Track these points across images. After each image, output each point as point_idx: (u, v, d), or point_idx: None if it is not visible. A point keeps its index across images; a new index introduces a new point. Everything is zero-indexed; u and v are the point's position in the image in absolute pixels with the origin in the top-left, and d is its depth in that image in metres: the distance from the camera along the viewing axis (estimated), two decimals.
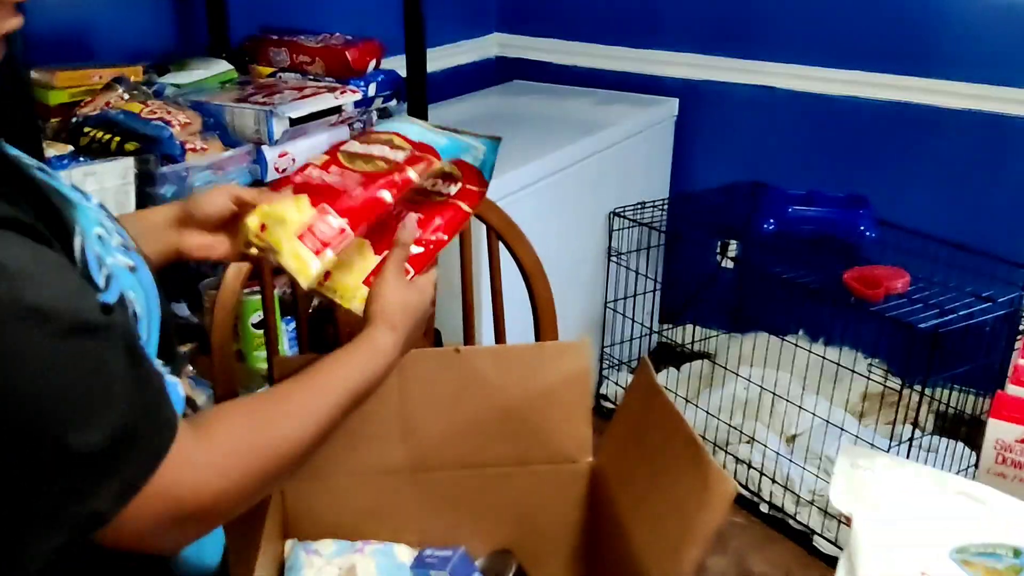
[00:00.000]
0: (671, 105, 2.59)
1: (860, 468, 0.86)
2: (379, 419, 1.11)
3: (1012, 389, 0.91)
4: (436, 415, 1.12)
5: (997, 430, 0.87)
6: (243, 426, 0.73)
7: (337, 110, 1.60)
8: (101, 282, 0.67)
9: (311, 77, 1.75)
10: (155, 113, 1.46)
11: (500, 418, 1.13)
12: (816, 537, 2.04)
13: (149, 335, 0.75)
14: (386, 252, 0.91)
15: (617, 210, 2.43)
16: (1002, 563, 0.75)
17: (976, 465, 2.06)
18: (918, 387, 1.93)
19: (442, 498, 1.14)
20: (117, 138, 1.39)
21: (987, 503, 0.81)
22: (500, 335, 1.35)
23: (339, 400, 0.81)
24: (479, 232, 1.31)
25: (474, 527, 1.16)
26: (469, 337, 1.35)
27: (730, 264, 2.66)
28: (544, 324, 1.31)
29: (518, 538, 1.16)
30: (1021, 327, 2.07)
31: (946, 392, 2.21)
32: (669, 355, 2.72)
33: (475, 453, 1.14)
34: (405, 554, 1.10)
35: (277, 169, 1.55)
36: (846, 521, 0.83)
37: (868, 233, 2.27)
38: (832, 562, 2.01)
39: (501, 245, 1.29)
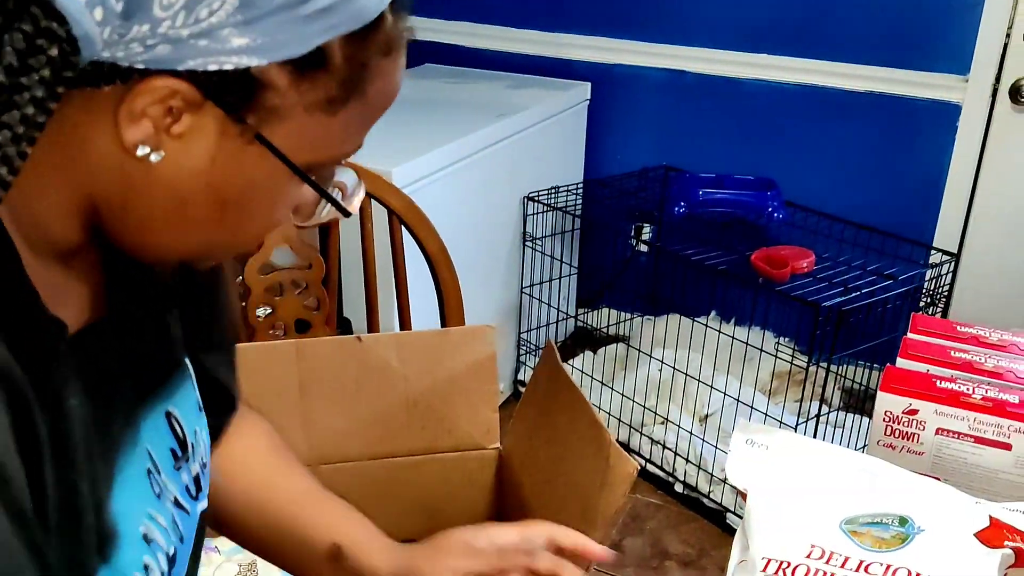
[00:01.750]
0: (583, 89, 2.60)
1: (755, 444, 0.87)
2: (278, 412, 1.08)
3: (901, 362, 0.93)
4: (338, 406, 1.10)
5: (886, 402, 0.89)
6: None
7: None
8: None
9: None
10: None
11: (405, 407, 1.12)
12: (729, 515, 2.08)
13: None
14: None
15: (531, 195, 2.42)
16: (889, 532, 0.77)
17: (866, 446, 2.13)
18: (824, 364, 1.98)
19: (347, 491, 1.11)
20: None
21: (876, 474, 0.83)
22: (405, 322, 1.34)
23: None
24: (381, 217, 1.28)
25: (381, 518, 1.13)
26: (373, 325, 1.33)
27: (644, 248, 2.68)
28: (450, 310, 1.29)
29: (427, 527, 1.14)
30: (922, 303, 2.14)
31: (852, 368, 2.27)
32: (586, 339, 2.74)
33: (380, 443, 1.12)
34: None
35: None
36: (742, 496, 0.84)
37: (776, 215, 2.31)
38: None
39: (404, 230, 1.27)
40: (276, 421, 1.07)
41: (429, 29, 2.81)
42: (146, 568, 0.61)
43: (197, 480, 0.69)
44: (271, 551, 0.85)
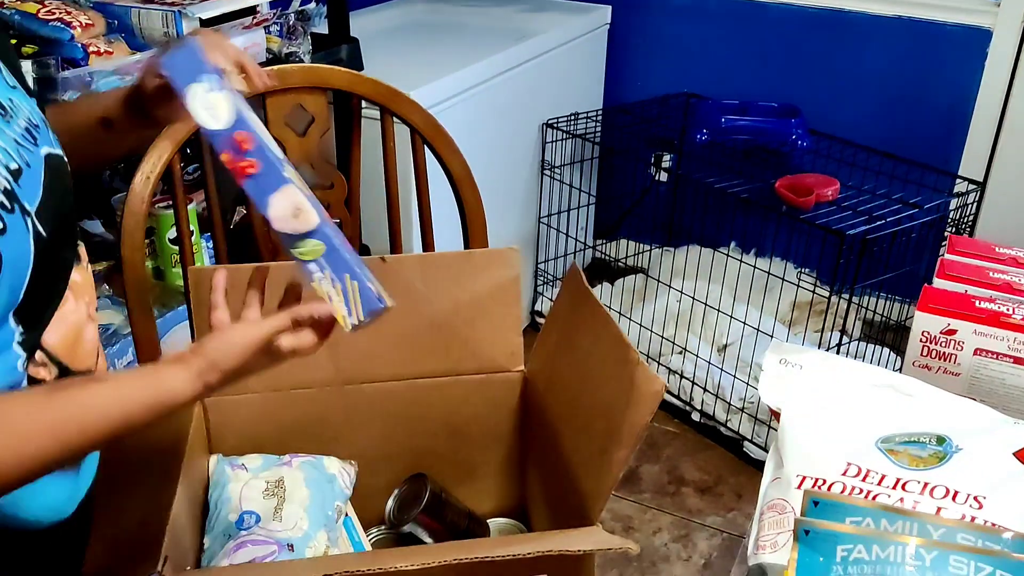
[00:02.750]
0: (604, 12, 2.53)
1: (788, 364, 0.85)
2: None
3: (938, 283, 0.91)
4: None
5: (923, 323, 0.88)
6: None
7: (251, 11, 1.51)
8: None
9: None
10: (53, 14, 1.37)
11: (429, 328, 1.10)
12: (746, 443, 2.09)
13: None
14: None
15: (550, 121, 2.38)
16: (925, 451, 0.76)
17: (900, 369, 2.12)
18: (846, 295, 1.96)
19: (371, 411, 1.12)
20: (13, 40, 1.29)
21: (912, 394, 0.82)
22: (428, 244, 1.32)
23: (97, 430, 0.72)
24: (403, 136, 1.26)
25: (405, 439, 1.14)
26: (396, 246, 1.31)
27: (664, 176, 2.65)
28: (473, 232, 1.27)
29: (451, 449, 1.14)
30: (947, 232, 2.10)
31: (873, 300, 2.25)
32: (604, 270, 2.72)
33: (404, 365, 1.11)
34: (335, 466, 1.08)
35: None
36: (775, 415, 0.83)
37: (800, 143, 2.27)
38: (761, 466, 2.05)
39: (427, 150, 1.24)
40: None
41: None
42: None
43: (29, 131, 0.79)
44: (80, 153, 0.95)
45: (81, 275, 0.86)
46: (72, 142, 0.90)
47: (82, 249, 0.89)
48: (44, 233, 0.77)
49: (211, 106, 0.78)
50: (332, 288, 0.80)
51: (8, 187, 0.74)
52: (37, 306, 0.78)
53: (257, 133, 0.79)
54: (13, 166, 0.75)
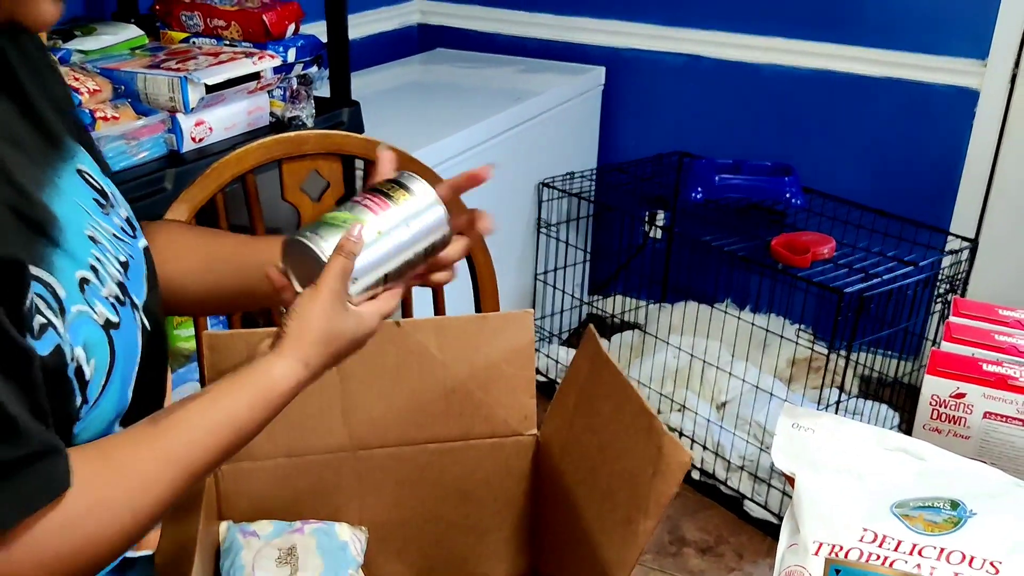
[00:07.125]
0: (597, 74, 2.59)
1: (801, 428, 0.86)
2: (319, 398, 1.07)
3: (946, 346, 0.93)
4: (378, 391, 1.09)
5: (933, 386, 0.89)
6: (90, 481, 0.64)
7: (255, 76, 1.54)
8: (35, 330, 0.63)
9: (227, 42, 1.68)
10: None
11: (443, 392, 1.11)
12: (747, 502, 2.08)
13: (101, 397, 0.70)
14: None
15: (546, 180, 2.41)
16: (940, 516, 0.77)
17: (899, 426, 2.12)
18: (843, 352, 1.98)
19: (384, 476, 1.12)
20: None
21: (925, 458, 0.83)
22: (439, 308, 1.33)
23: (214, 446, 0.71)
24: None
25: (417, 505, 1.14)
26: (408, 310, 1.32)
27: (658, 234, 2.68)
28: (485, 295, 1.29)
29: (462, 514, 1.14)
30: (940, 290, 2.14)
31: (869, 356, 2.27)
32: (599, 326, 2.73)
33: (417, 430, 1.11)
34: (346, 532, 1.07)
35: (194, 139, 1.49)
36: (789, 480, 0.84)
37: (794, 200, 2.31)
38: (762, 526, 2.06)
39: None
40: (318, 406, 1.07)
41: (440, 13, 2.79)
42: (98, 260, 0.70)
43: (129, 222, 0.78)
44: (223, 298, 0.95)
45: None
46: (194, 277, 0.90)
47: None
48: (149, 327, 0.76)
49: None
50: None
51: (121, 280, 0.72)
52: (143, 410, 0.75)
53: None
54: (122, 258, 0.74)
